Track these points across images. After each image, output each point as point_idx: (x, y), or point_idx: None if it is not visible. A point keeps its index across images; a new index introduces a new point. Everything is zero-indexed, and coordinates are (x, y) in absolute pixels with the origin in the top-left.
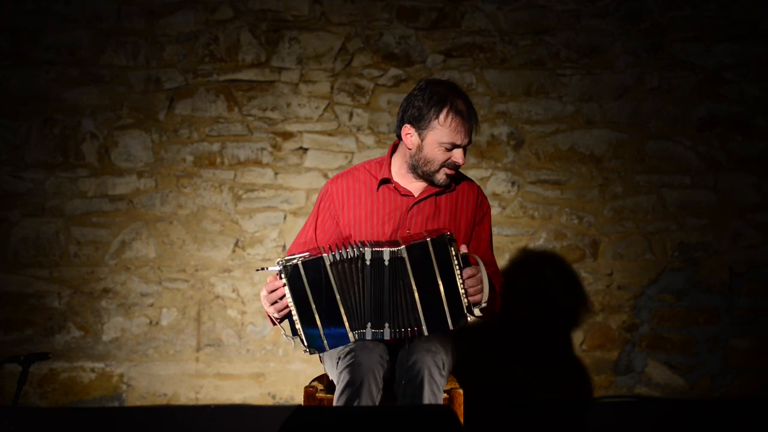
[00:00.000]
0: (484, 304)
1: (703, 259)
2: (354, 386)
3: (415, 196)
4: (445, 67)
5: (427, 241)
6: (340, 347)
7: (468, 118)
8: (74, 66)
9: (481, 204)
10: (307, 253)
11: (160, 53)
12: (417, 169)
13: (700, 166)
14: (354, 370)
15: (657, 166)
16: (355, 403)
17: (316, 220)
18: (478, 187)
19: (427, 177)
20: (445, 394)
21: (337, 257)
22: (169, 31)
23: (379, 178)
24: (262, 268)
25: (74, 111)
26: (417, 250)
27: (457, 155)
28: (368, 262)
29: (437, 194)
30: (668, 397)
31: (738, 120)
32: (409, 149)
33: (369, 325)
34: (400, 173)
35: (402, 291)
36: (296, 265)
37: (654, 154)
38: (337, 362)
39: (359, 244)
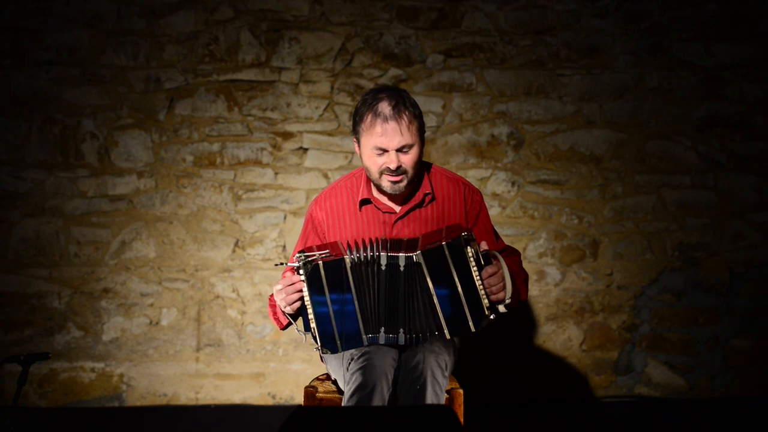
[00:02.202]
0: (508, 301)
1: (703, 259)
2: (366, 389)
3: (397, 212)
4: (445, 67)
5: (442, 245)
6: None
7: (390, 119)
8: (74, 66)
9: (472, 203)
10: (327, 251)
11: (160, 53)
12: (374, 184)
13: (700, 166)
14: (367, 372)
15: (657, 166)
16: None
17: (305, 244)
18: (464, 184)
19: (378, 188)
20: (446, 394)
21: (356, 260)
22: (169, 31)
23: (359, 199)
24: (282, 263)
25: (74, 111)
26: (433, 254)
27: (388, 159)
28: (383, 267)
29: (418, 206)
30: (668, 397)
31: (738, 120)
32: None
33: (383, 329)
34: (378, 194)
35: (419, 295)
36: (317, 264)
37: (654, 154)
38: (349, 363)
39: (376, 247)
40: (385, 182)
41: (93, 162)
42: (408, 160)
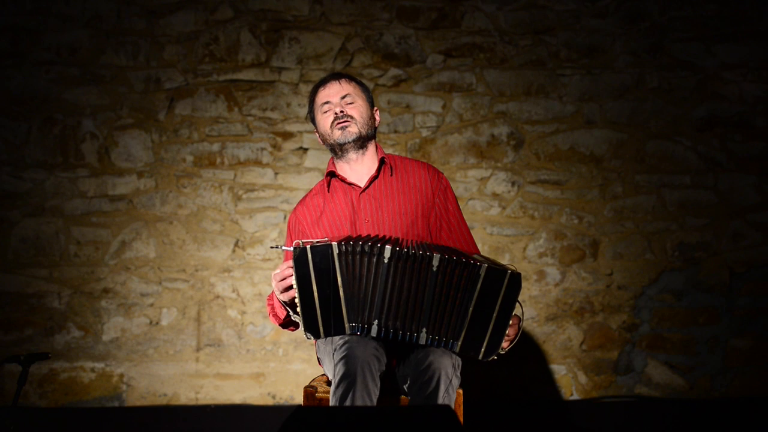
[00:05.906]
0: (502, 352)
1: (703, 259)
2: (349, 378)
3: (361, 186)
4: (445, 67)
5: (507, 271)
6: (337, 340)
7: (330, 80)
8: (74, 66)
9: (439, 179)
10: (326, 239)
11: (160, 53)
12: (335, 151)
13: (700, 166)
14: (349, 361)
15: (657, 166)
16: (351, 394)
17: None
18: (432, 166)
19: (336, 146)
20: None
21: (347, 249)
22: (169, 31)
23: (326, 173)
24: (276, 246)
25: (74, 111)
26: (494, 274)
27: (334, 107)
28: (386, 259)
29: (377, 177)
30: (668, 397)
31: (738, 120)
32: (323, 144)
33: (376, 322)
34: (341, 168)
35: (453, 303)
36: (304, 249)
37: (654, 154)
38: (333, 355)
39: (380, 241)
40: (336, 133)
41: (93, 162)
42: (353, 109)
